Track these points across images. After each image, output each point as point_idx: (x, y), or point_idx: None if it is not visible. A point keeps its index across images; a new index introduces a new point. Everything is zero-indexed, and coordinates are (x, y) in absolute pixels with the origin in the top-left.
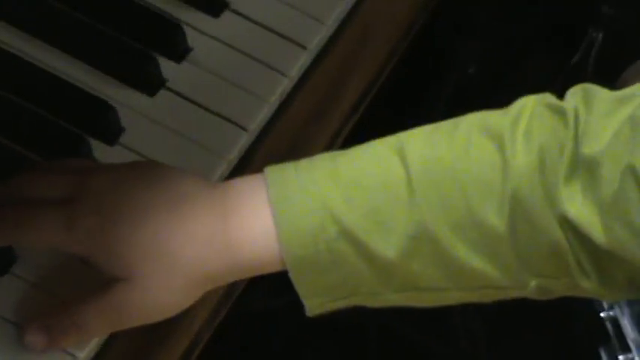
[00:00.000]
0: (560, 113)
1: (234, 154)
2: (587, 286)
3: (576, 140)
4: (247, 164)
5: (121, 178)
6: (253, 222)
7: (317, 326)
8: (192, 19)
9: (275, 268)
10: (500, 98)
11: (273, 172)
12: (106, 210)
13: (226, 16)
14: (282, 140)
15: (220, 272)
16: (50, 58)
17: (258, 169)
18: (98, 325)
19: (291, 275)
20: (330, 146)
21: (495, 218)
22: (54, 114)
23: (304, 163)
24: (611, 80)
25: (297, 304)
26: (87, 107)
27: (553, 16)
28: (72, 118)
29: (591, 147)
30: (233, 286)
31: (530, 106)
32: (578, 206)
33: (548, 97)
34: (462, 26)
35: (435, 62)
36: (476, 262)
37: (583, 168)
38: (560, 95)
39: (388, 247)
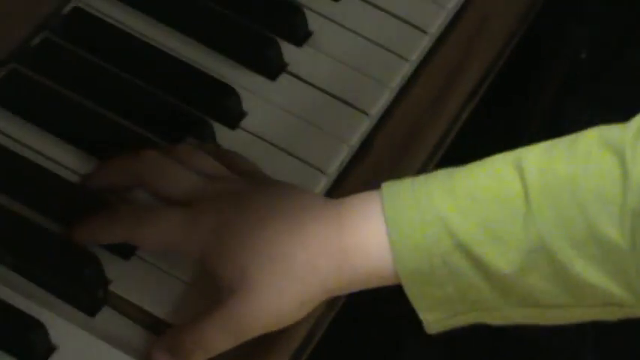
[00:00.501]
0: None
1: (355, 138)
2: None
3: None
4: (367, 149)
5: (242, 186)
6: (367, 233)
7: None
8: (313, 2)
9: (387, 281)
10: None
11: (389, 186)
12: (226, 213)
13: (347, 1)
14: (401, 125)
15: (333, 281)
16: (173, 42)
17: (379, 155)
18: (221, 341)
19: (406, 289)
20: (448, 131)
21: (616, 233)
22: (178, 97)
23: (421, 178)
24: None
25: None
26: (210, 91)
27: None
28: (195, 101)
29: None
30: (332, 302)
31: None
32: None
33: None
34: (572, 13)
35: (546, 48)
36: (596, 278)
37: None
38: None
39: (504, 261)
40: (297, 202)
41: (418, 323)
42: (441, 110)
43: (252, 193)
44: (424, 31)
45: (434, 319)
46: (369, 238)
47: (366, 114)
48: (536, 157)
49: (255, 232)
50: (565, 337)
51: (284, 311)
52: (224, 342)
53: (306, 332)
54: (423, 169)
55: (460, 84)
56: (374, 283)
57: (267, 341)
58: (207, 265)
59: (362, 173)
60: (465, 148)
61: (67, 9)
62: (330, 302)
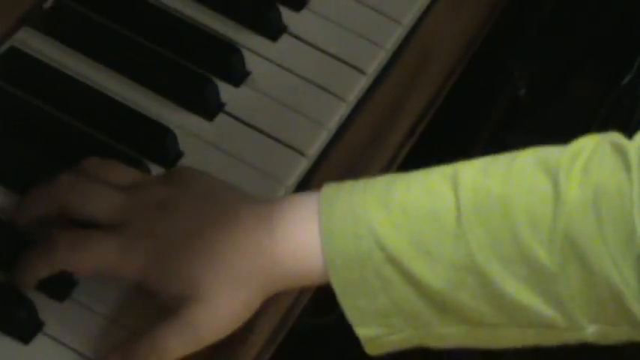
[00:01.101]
0: (622, 154)
1: (293, 179)
2: None
3: None
4: (305, 189)
5: (164, 192)
6: (299, 236)
7: None
8: (250, 42)
9: (320, 280)
10: (547, 120)
11: (328, 190)
12: (158, 231)
13: (285, 39)
14: (340, 165)
15: (269, 283)
16: (109, 82)
17: None
18: (177, 347)
19: (339, 298)
20: (387, 170)
21: (545, 254)
22: (113, 138)
23: (360, 185)
24: None
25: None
26: (146, 131)
27: (603, 38)
28: (131, 141)
29: None
30: (296, 301)
31: (593, 143)
32: None
33: (615, 136)
34: (512, 48)
35: (486, 84)
36: (526, 298)
37: None
38: (609, 119)
39: (434, 276)
40: (227, 204)
41: None
42: (379, 150)
43: (179, 199)
44: (362, 72)
45: (370, 336)
46: (301, 243)
47: (303, 154)
48: (472, 173)
49: (193, 244)
50: None
51: (235, 315)
52: (179, 350)
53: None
54: None
55: (398, 123)
56: (308, 282)
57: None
58: (149, 285)
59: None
60: None
61: (3, 49)
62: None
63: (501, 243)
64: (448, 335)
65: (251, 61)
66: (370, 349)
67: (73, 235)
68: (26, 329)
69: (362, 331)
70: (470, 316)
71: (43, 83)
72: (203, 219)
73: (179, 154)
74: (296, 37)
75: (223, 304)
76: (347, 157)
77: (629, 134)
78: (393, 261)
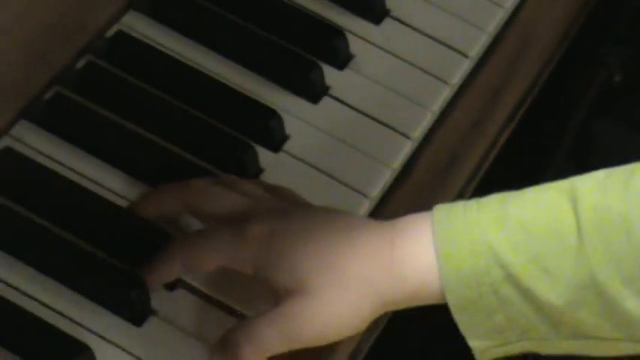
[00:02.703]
0: None
1: (398, 162)
2: None
3: None
4: (409, 172)
5: (288, 206)
6: (416, 253)
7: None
8: (354, 26)
9: (437, 300)
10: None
11: (441, 209)
12: (275, 225)
13: (388, 22)
14: (443, 149)
15: (386, 293)
16: (218, 67)
17: (420, 178)
18: (271, 338)
19: (454, 315)
20: (487, 155)
21: None
22: (221, 121)
23: (473, 204)
24: None
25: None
26: (253, 114)
27: None
28: (238, 125)
29: None
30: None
31: None
32: None
33: None
34: (606, 35)
35: (582, 69)
36: None
37: None
38: None
39: (554, 294)
40: (349, 219)
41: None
42: (481, 134)
43: (300, 211)
44: (465, 55)
45: (484, 347)
46: (419, 257)
47: (408, 137)
48: (590, 190)
49: (308, 241)
50: None
51: (338, 317)
52: (273, 341)
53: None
54: (462, 191)
55: (499, 108)
56: (424, 301)
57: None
58: (261, 276)
59: (403, 196)
60: (501, 170)
61: (111, 32)
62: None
63: (623, 260)
64: (564, 348)
65: (355, 45)
66: (481, 357)
67: (189, 238)
68: (139, 311)
69: (475, 344)
70: (588, 332)
71: (151, 67)
72: (325, 225)
73: (285, 137)
74: (399, 20)
75: (327, 302)
76: (449, 140)
77: None
78: (511, 279)
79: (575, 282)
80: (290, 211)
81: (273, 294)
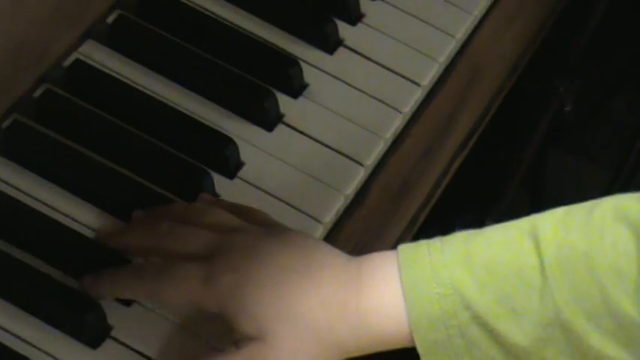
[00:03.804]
0: None
1: (351, 189)
2: None
3: None
4: (362, 199)
5: (261, 239)
6: (384, 297)
7: None
8: (308, 55)
9: (403, 344)
10: (592, 135)
11: (405, 250)
12: (244, 269)
13: (342, 52)
14: (395, 175)
15: (350, 341)
16: (175, 95)
17: (373, 206)
18: None
19: (422, 358)
20: (439, 182)
21: (631, 308)
22: (178, 148)
23: (437, 244)
24: None
25: None
26: (209, 141)
27: None
28: (195, 152)
29: None
30: None
31: None
32: None
33: None
34: (558, 65)
35: (532, 101)
36: (611, 350)
37: None
38: None
39: (521, 333)
40: (316, 258)
41: None
42: (433, 161)
43: (270, 245)
44: (417, 84)
45: None
46: (386, 304)
47: (361, 164)
48: (551, 228)
49: (275, 287)
50: None
51: None
52: None
53: None
54: (415, 217)
55: (451, 136)
56: (390, 345)
57: None
58: (226, 319)
59: (357, 222)
60: (455, 196)
61: (69, 61)
62: None
63: (587, 297)
64: None
65: (309, 74)
66: None
67: (159, 270)
68: (94, 334)
69: None
70: None
71: (109, 95)
72: (292, 267)
73: (240, 164)
74: (352, 50)
75: (287, 351)
76: (402, 167)
77: None
78: (478, 320)
79: (540, 320)
80: (259, 248)
81: (234, 336)
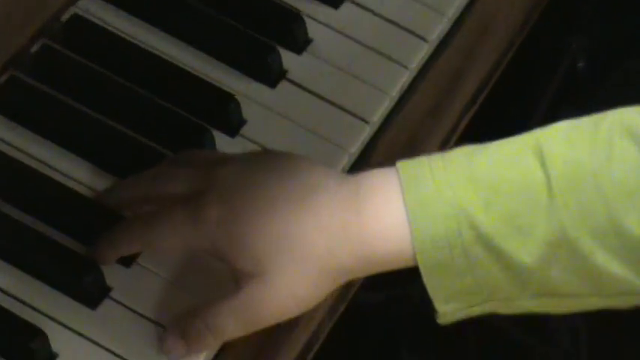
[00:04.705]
0: None
1: (356, 147)
2: None
3: None
4: (368, 157)
5: (248, 169)
6: (387, 218)
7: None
8: (312, 10)
9: (405, 265)
10: (604, 95)
11: (406, 169)
12: (233, 202)
13: (346, 7)
14: (402, 133)
15: (352, 264)
16: (175, 51)
17: (379, 163)
18: (233, 326)
19: (424, 278)
20: (447, 139)
21: (637, 226)
22: (179, 105)
23: (439, 162)
24: None
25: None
26: (210, 99)
27: None
28: (195, 109)
29: None
30: (349, 284)
31: None
32: None
33: None
34: (571, 22)
35: (545, 56)
36: (616, 269)
37: None
38: None
39: (526, 252)
40: (309, 180)
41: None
42: (441, 118)
43: (258, 174)
44: (424, 39)
45: (449, 311)
46: (388, 222)
47: (366, 122)
48: (557, 144)
49: (267, 218)
50: (559, 345)
51: (302, 299)
52: (234, 328)
53: (307, 339)
54: None
55: (459, 92)
56: (392, 265)
57: (271, 345)
58: (219, 257)
59: None
60: None
61: (67, 16)
62: (330, 310)
63: (593, 215)
64: (527, 306)
65: (313, 29)
66: (442, 321)
67: (148, 214)
68: (93, 294)
69: (442, 307)
70: (555, 289)
71: (107, 51)
72: (283, 195)
73: (242, 122)
74: (358, 4)
75: (288, 284)
76: (409, 124)
77: None
78: (482, 239)
79: (545, 239)
80: (247, 178)
81: (233, 274)
